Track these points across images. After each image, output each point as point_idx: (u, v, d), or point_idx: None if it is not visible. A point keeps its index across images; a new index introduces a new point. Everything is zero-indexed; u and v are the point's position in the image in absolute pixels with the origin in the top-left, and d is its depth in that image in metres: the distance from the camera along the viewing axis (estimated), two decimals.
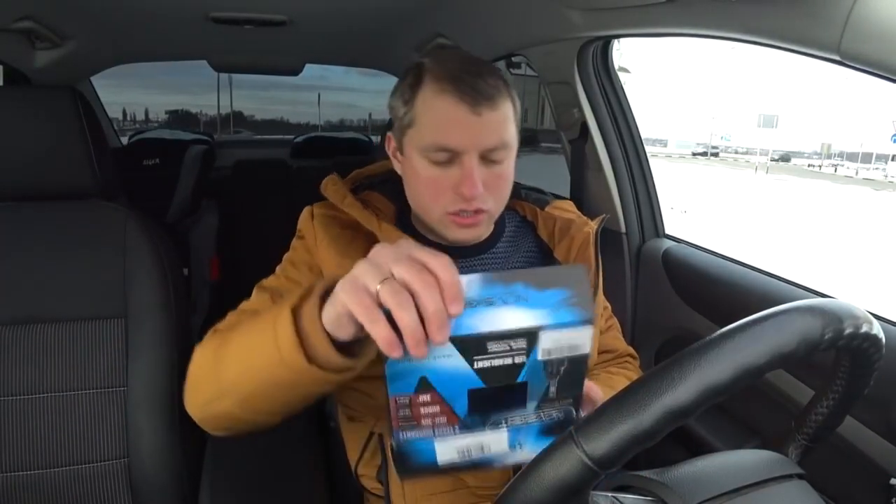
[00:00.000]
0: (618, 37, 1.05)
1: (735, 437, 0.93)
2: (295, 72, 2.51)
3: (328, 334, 0.45)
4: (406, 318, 0.39)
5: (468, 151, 0.64)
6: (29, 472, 0.83)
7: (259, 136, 5.26)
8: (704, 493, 0.42)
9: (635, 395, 0.36)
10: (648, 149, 1.32)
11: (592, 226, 0.76)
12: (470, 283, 0.43)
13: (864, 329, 0.40)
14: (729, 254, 1.07)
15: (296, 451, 0.88)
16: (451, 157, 0.65)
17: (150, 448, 0.87)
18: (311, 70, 2.47)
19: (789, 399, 0.85)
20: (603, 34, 1.02)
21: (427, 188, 0.67)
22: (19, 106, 0.86)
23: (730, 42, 0.78)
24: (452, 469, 0.50)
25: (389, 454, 0.70)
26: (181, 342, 0.91)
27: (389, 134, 0.72)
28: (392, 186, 0.77)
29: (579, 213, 0.82)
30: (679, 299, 1.08)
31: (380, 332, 0.39)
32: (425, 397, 0.46)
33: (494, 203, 0.69)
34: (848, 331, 0.39)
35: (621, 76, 1.23)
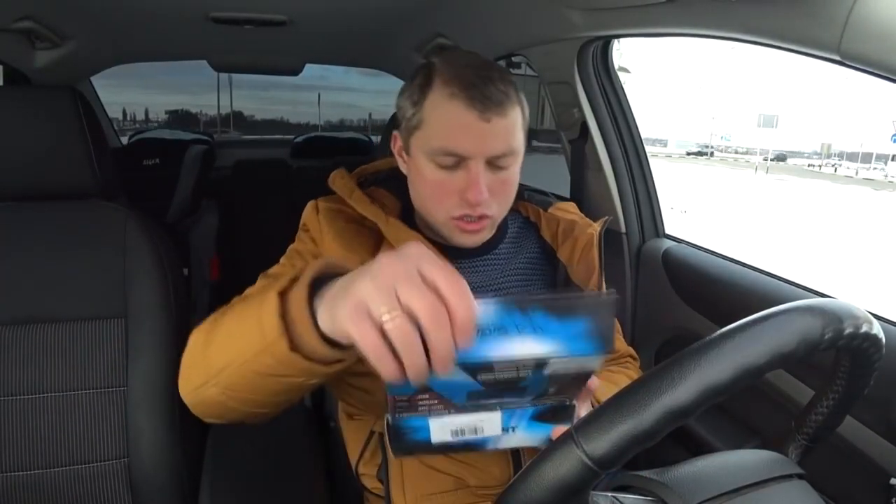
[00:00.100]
0: (618, 37, 1.05)
1: (735, 437, 0.93)
2: (295, 72, 2.51)
3: (317, 324, 0.43)
4: (412, 360, 0.37)
5: (475, 157, 0.64)
6: (29, 472, 0.83)
7: (248, 137, 5.27)
8: (704, 493, 0.42)
9: (635, 395, 0.36)
10: (648, 149, 1.32)
11: (596, 227, 0.76)
12: (486, 309, 0.40)
13: (864, 329, 0.40)
14: (727, 252, 1.07)
15: (296, 450, 0.88)
16: (457, 161, 0.65)
17: (150, 448, 0.87)
18: (311, 70, 2.47)
19: (789, 399, 0.85)
20: (603, 34, 1.02)
21: (432, 191, 0.67)
22: (19, 106, 0.86)
23: (730, 42, 0.78)
24: (445, 448, 0.51)
25: (388, 449, 0.70)
26: (181, 342, 0.90)
27: (396, 133, 0.72)
28: (396, 183, 0.78)
29: (582, 214, 0.83)
30: (679, 299, 1.08)
31: (384, 369, 0.37)
32: (424, 395, 0.47)
33: (499, 208, 0.69)
34: (848, 331, 0.39)
35: (621, 76, 1.23)
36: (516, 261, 0.77)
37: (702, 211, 10.72)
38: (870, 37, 0.57)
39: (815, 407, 0.50)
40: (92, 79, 2.25)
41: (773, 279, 0.93)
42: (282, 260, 0.72)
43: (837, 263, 7.53)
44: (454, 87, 0.63)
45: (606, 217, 0.79)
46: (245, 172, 2.72)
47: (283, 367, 0.45)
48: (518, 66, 1.67)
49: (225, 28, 1.58)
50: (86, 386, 0.86)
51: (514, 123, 0.66)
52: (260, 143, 3.61)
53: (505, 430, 0.51)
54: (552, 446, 0.37)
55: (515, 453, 0.70)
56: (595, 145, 1.19)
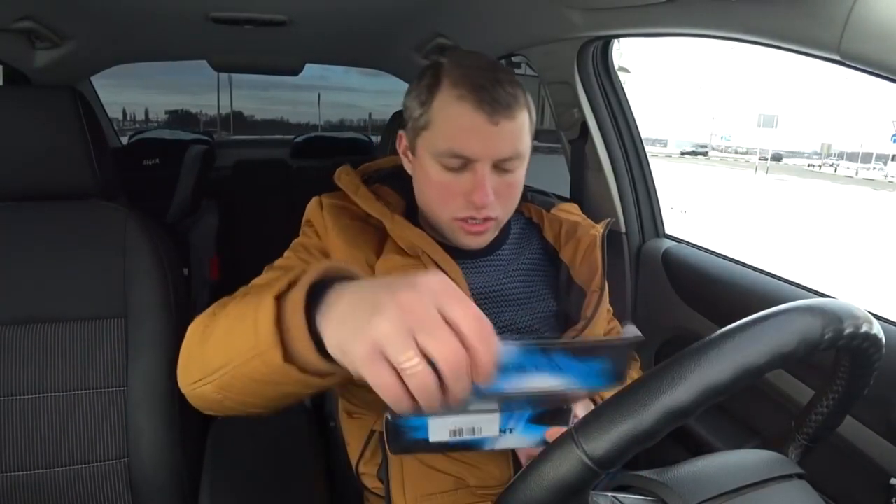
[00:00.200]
0: (618, 37, 1.05)
1: (735, 437, 0.93)
2: (295, 72, 2.50)
3: (314, 336, 0.40)
4: (428, 402, 0.35)
5: (482, 160, 0.64)
6: (29, 472, 0.83)
7: (246, 137, 5.27)
8: (704, 493, 0.42)
9: (635, 395, 0.36)
10: (648, 149, 1.32)
11: (599, 229, 0.77)
12: (507, 351, 0.39)
13: (864, 329, 0.40)
14: (723, 249, 1.08)
15: (296, 450, 0.88)
16: (464, 163, 0.65)
17: (150, 448, 0.87)
18: (311, 70, 2.47)
19: (789, 399, 0.85)
20: (603, 34, 1.02)
21: (437, 192, 0.67)
22: (19, 106, 0.86)
23: (730, 42, 0.78)
24: (443, 448, 0.51)
25: (387, 445, 0.70)
26: (181, 342, 0.91)
27: (402, 132, 0.72)
28: (400, 182, 0.78)
29: (584, 216, 0.83)
30: (679, 299, 1.08)
31: (398, 407, 0.36)
32: None
33: (503, 210, 0.69)
34: (848, 331, 0.39)
35: (621, 76, 1.23)
36: (519, 262, 0.77)
37: (700, 211, 10.72)
38: (870, 37, 0.56)
39: (815, 407, 0.50)
40: (92, 79, 2.25)
41: (773, 279, 0.93)
42: (286, 253, 0.72)
43: (838, 263, 7.53)
44: (463, 89, 0.63)
45: (609, 219, 0.79)
46: (245, 172, 2.72)
47: (277, 376, 0.43)
48: (518, 66, 1.67)
49: (225, 28, 1.58)
50: (86, 386, 0.86)
51: (521, 127, 0.66)
52: (260, 143, 3.61)
53: (502, 431, 0.51)
54: (552, 446, 0.37)
55: (516, 453, 0.70)
56: (595, 145, 1.19)
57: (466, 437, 0.50)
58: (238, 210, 2.64)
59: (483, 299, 0.72)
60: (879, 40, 0.56)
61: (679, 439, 0.99)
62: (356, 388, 0.71)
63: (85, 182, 0.90)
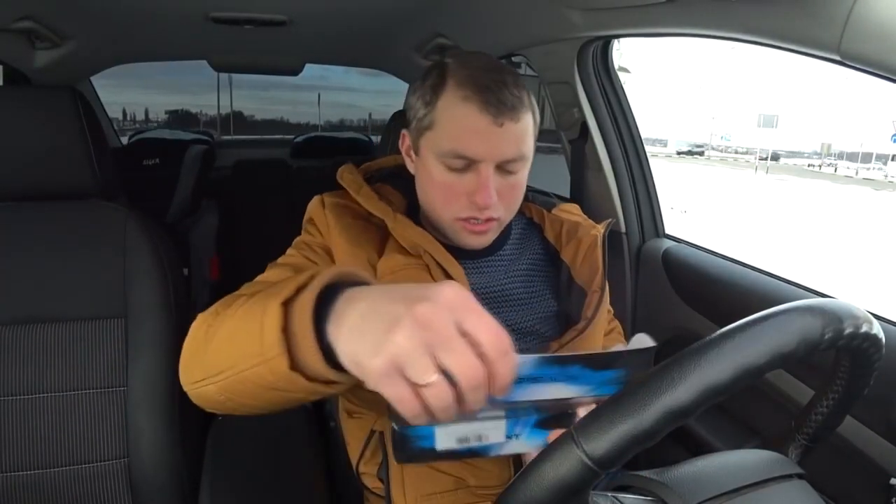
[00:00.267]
0: (618, 37, 1.05)
1: (735, 437, 0.93)
2: (295, 72, 2.51)
3: (321, 344, 0.39)
4: (444, 416, 0.35)
5: (486, 161, 0.64)
6: (29, 472, 0.83)
7: (238, 137, 5.28)
8: (704, 493, 0.42)
9: (635, 395, 0.36)
10: (648, 149, 1.32)
11: (599, 229, 0.77)
12: (524, 363, 0.39)
13: (864, 329, 0.40)
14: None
15: (296, 450, 0.88)
16: (467, 164, 0.65)
17: (150, 448, 0.87)
18: (311, 70, 2.47)
19: (789, 399, 0.85)
20: (603, 34, 1.02)
21: (440, 192, 0.67)
22: (19, 106, 0.86)
23: (730, 42, 0.78)
24: (449, 456, 0.51)
25: (389, 447, 0.70)
26: (181, 342, 0.91)
27: (405, 131, 0.72)
28: (401, 181, 0.78)
29: (585, 216, 0.83)
30: (679, 299, 1.08)
31: (415, 421, 0.36)
32: None
33: (506, 211, 0.69)
34: (848, 331, 0.39)
35: (621, 76, 1.23)
36: (520, 262, 0.77)
37: (699, 211, 10.72)
38: (870, 37, 0.57)
39: (815, 407, 0.50)
40: (92, 79, 2.25)
41: (773, 279, 0.93)
42: (290, 251, 0.71)
43: (838, 263, 7.54)
44: (468, 90, 0.63)
45: (610, 219, 0.79)
46: (245, 172, 2.72)
47: (283, 383, 0.42)
48: (518, 66, 1.67)
49: (225, 28, 1.58)
50: (86, 386, 0.86)
51: (525, 129, 0.66)
52: (260, 143, 3.62)
53: (508, 437, 0.51)
54: (552, 446, 0.37)
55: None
56: (595, 145, 1.19)
57: (473, 444, 0.50)
58: (238, 210, 2.64)
59: (484, 299, 0.72)
60: (879, 40, 0.56)
61: (679, 439, 0.99)
62: (357, 388, 0.71)
63: (85, 182, 0.90)
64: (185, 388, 0.54)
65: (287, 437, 0.90)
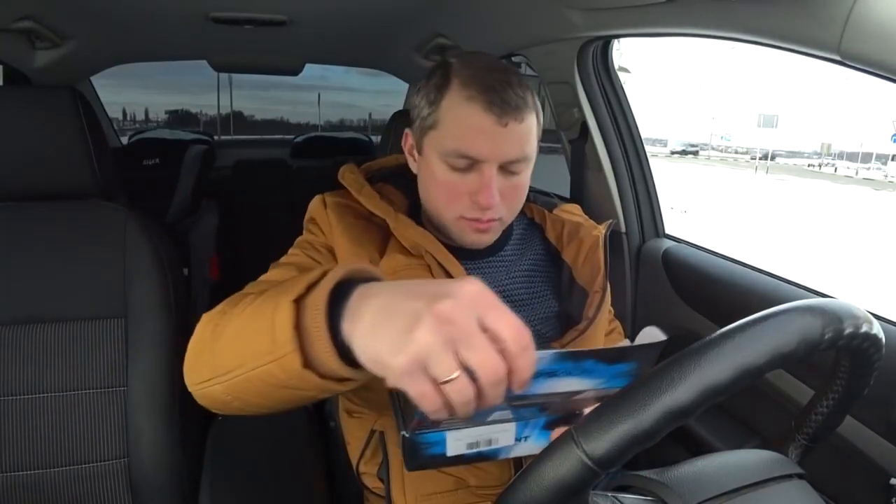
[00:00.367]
0: (618, 37, 1.05)
1: (735, 437, 0.93)
2: (295, 72, 2.51)
3: (335, 341, 0.39)
4: (464, 411, 0.35)
5: (489, 161, 0.64)
6: (29, 472, 0.83)
7: (238, 136, 5.28)
8: (704, 493, 0.42)
9: (635, 395, 0.36)
10: (648, 149, 1.32)
11: (601, 229, 0.77)
12: (542, 358, 0.39)
13: (864, 329, 0.40)
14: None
15: (296, 450, 0.88)
16: (470, 164, 0.65)
17: (150, 448, 0.87)
18: (311, 70, 2.47)
19: (789, 399, 0.85)
20: (603, 34, 1.02)
21: (443, 192, 0.67)
22: (19, 106, 0.86)
23: (730, 42, 0.78)
24: (459, 461, 0.51)
25: (397, 449, 0.70)
26: (181, 342, 0.91)
27: (408, 131, 0.72)
28: (403, 181, 0.78)
29: (586, 216, 0.83)
30: (679, 299, 1.08)
31: (435, 416, 0.36)
32: None
33: (508, 212, 0.69)
34: (848, 331, 0.39)
35: (621, 76, 1.23)
36: (521, 262, 0.77)
37: (697, 211, 10.73)
38: (870, 37, 0.57)
39: (815, 407, 0.50)
40: (92, 79, 2.25)
41: (773, 279, 0.93)
42: (292, 250, 0.71)
43: (837, 263, 7.54)
44: (473, 90, 0.63)
45: (611, 220, 0.79)
46: (245, 172, 2.72)
47: (295, 381, 0.42)
48: (518, 66, 1.67)
49: (225, 28, 1.58)
50: (86, 386, 0.86)
51: (529, 129, 0.66)
52: (260, 143, 3.62)
53: (518, 439, 0.51)
54: (552, 446, 0.37)
55: None
56: (595, 145, 1.19)
57: (483, 448, 0.50)
58: (238, 210, 2.64)
59: None
60: (879, 40, 0.56)
61: (679, 439, 0.99)
62: (360, 386, 0.71)
63: (85, 182, 0.90)
64: (191, 389, 0.53)
65: (287, 437, 0.89)
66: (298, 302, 0.41)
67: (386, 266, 0.69)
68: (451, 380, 0.34)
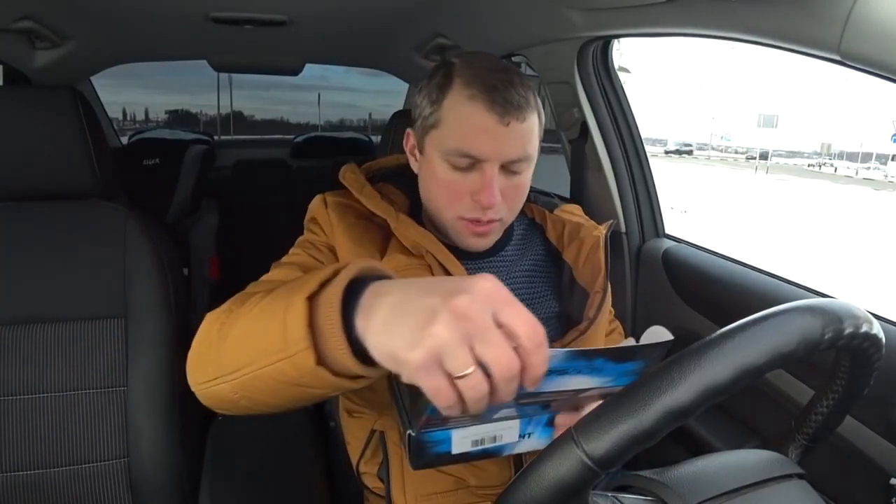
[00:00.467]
0: (618, 37, 1.05)
1: (735, 437, 0.93)
2: (295, 72, 2.51)
3: (349, 339, 0.39)
4: (477, 407, 0.35)
5: (490, 160, 0.64)
6: (29, 472, 0.83)
7: (238, 136, 5.28)
8: (704, 493, 0.42)
9: (635, 395, 0.36)
10: (648, 148, 1.32)
11: (601, 230, 0.77)
12: (554, 356, 0.40)
13: (864, 329, 0.40)
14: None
15: (296, 450, 0.88)
16: (472, 163, 0.65)
17: (150, 448, 0.87)
18: (311, 70, 2.47)
19: (789, 399, 0.85)
20: (603, 34, 1.02)
21: (444, 191, 0.67)
22: (19, 106, 0.86)
23: (730, 42, 0.78)
24: (464, 458, 0.51)
25: (397, 449, 0.70)
26: (181, 342, 0.91)
27: (410, 130, 0.72)
28: (404, 181, 0.78)
29: (587, 217, 0.83)
30: (679, 299, 1.08)
31: (448, 411, 0.36)
32: None
33: (508, 212, 0.69)
34: (848, 331, 0.39)
35: (621, 76, 1.23)
36: (522, 262, 0.77)
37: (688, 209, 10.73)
38: (870, 37, 0.56)
39: (815, 407, 0.50)
40: (92, 79, 2.25)
41: (773, 279, 0.93)
42: (293, 250, 0.71)
43: (837, 262, 7.54)
44: (475, 89, 0.63)
45: (612, 220, 0.79)
46: (245, 172, 2.72)
47: (307, 378, 0.42)
48: (518, 65, 1.67)
49: (225, 28, 1.58)
50: (86, 386, 0.86)
51: (531, 129, 0.66)
52: (260, 143, 3.62)
53: (521, 436, 0.52)
54: (552, 446, 0.37)
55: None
56: (595, 145, 1.19)
57: (488, 445, 0.51)
58: (238, 210, 2.64)
59: None
60: (879, 40, 0.56)
61: (679, 439, 0.99)
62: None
63: (85, 182, 0.90)
64: (194, 388, 0.53)
65: (287, 437, 0.90)
66: (311, 299, 0.41)
67: (387, 266, 0.68)
68: (467, 375, 0.34)
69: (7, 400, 0.83)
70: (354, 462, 0.76)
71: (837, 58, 0.61)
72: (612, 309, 0.82)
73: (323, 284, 0.41)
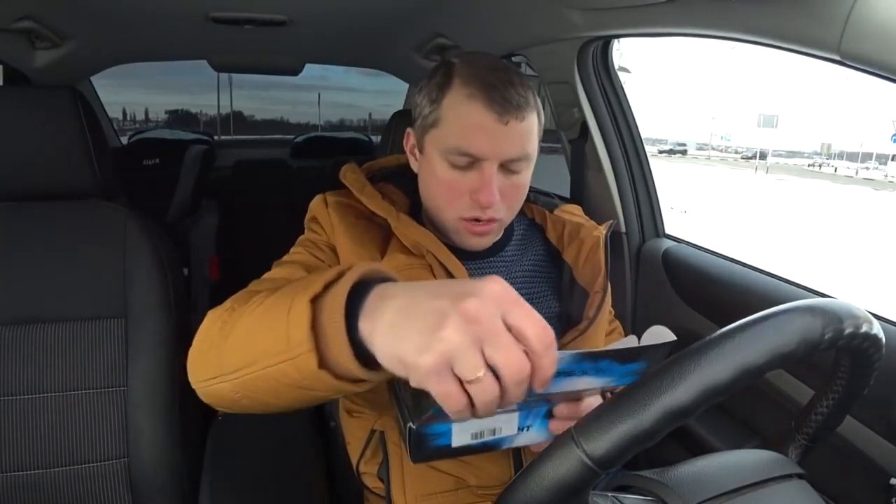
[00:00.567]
0: (618, 37, 1.05)
1: (735, 437, 0.93)
2: (295, 72, 2.51)
3: (352, 343, 0.38)
4: (486, 410, 0.35)
5: (489, 159, 0.64)
6: (29, 472, 0.83)
7: (238, 136, 5.28)
8: (704, 493, 0.42)
9: (635, 395, 0.36)
10: (648, 148, 1.32)
11: (602, 230, 0.77)
12: (562, 358, 0.40)
13: (864, 329, 0.40)
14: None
15: (296, 450, 0.88)
16: (471, 162, 0.65)
17: (150, 448, 0.87)
18: (311, 70, 2.47)
19: (789, 399, 0.85)
20: (603, 34, 1.02)
21: (443, 190, 0.67)
22: (19, 106, 0.86)
23: (730, 42, 0.78)
24: (464, 451, 0.51)
25: (397, 448, 0.70)
26: (181, 342, 0.91)
27: (410, 130, 0.73)
28: (404, 180, 0.78)
29: (587, 217, 0.83)
30: (679, 299, 1.08)
31: (458, 416, 0.35)
32: None
33: (508, 212, 0.69)
34: (848, 331, 0.39)
35: (621, 76, 1.23)
36: (522, 262, 0.77)
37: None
38: (870, 37, 0.56)
39: (815, 407, 0.50)
40: (92, 79, 2.25)
41: (773, 279, 0.93)
42: (294, 248, 0.71)
43: (836, 263, 7.54)
44: (474, 88, 0.63)
45: (612, 220, 0.79)
46: (245, 172, 2.72)
47: (309, 381, 0.41)
48: (518, 65, 1.67)
49: (225, 28, 1.58)
50: (86, 386, 0.86)
51: (530, 128, 0.66)
52: (260, 143, 3.62)
53: (520, 429, 0.52)
54: (552, 446, 0.37)
55: (516, 453, 0.70)
56: (595, 145, 1.19)
57: (487, 438, 0.51)
58: (238, 210, 2.64)
59: None
60: (879, 40, 0.56)
61: (679, 439, 0.99)
62: None
63: (85, 182, 0.90)
64: (195, 386, 0.53)
65: (287, 437, 0.90)
66: (314, 301, 0.41)
67: (387, 266, 0.68)
68: (477, 379, 0.34)
69: (7, 400, 0.83)
70: (354, 462, 0.76)
71: (837, 58, 0.61)
72: (611, 309, 0.82)
73: (327, 286, 0.41)
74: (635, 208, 1.21)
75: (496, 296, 0.35)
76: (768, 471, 0.46)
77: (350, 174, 0.75)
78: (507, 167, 0.66)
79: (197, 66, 2.35)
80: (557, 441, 0.37)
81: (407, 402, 0.47)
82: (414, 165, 0.73)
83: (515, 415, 0.51)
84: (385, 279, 0.42)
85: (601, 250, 0.75)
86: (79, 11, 1.36)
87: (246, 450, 0.88)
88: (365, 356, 0.38)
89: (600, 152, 1.19)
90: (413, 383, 0.35)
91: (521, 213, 0.82)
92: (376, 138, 3.21)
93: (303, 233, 0.74)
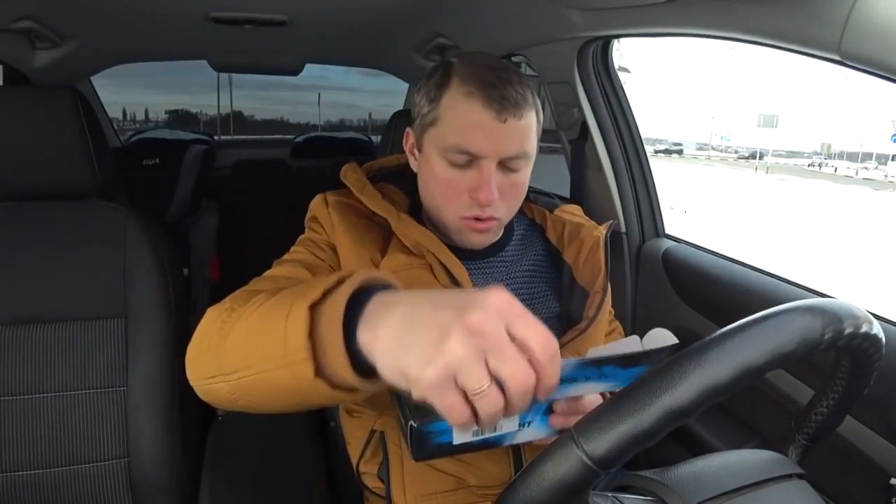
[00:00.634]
0: (618, 37, 1.05)
1: (735, 437, 0.93)
2: (295, 72, 2.51)
3: (350, 353, 0.38)
4: (490, 421, 0.35)
5: (488, 157, 0.64)
6: (29, 472, 0.83)
7: (238, 136, 5.28)
8: (704, 493, 0.42)
9: (635, 395, 0.36)
10: (648, 148, 1.32)
11: (602, 230, 0.77)
12: (567, 366, 0.40)
13: (864, 329, 0.40)
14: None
15: (296, 450, 0.88)
16: (470, 160, 0.65)
17: (150, 448, 0.87)
18: (311, 70, 2.47)
19: (789, 399, 0.85)
20: (603, 34, 1.02)
21: (443, 189, 0.68)
22: (19, 106, 0.86)
23: (730, 42, 0.78)
24: (465, 449, 0.51)
25: (397, 448, 0.70)
26: (181, 342, 0.91)
27: (409, 129, 0.73)
28: (404, 180, 0.78)
29: (587, 217, 0.83)
30: (679, 299, 1.08)
31: (462, 428, 0.35)
32: None
33: (507, 210, 0.69)
34: (848, 331, 0.39)
35: (621, 76, 1.23)
36: (522, 262, 0.77)
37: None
38: (870, 37, 0.56)
39: (815, 407, 0.50)
40: (92, 79, 2.25)
41: (773, 279, 0.93)
42: (295, 247, 0.71)
43: (836, 263, 7.54)
44: (472, 86, 0.63)
45: (612, 221, 0.79)
46: (245, 172, 2.72)
47: (304, 388, 0.40)
48: (518, 65, 1.67)
49: (225, 28, 1.58)
50: (86, 386, 0.86)
51: (529, 126, 0.66)
52: (260, 143, 3.62)
53: (521, 425, 0.52)
54: (552, 446, 0.37)
55: (516, 453, 0.70)
56: (595, 145, 1.19)
57: (488, 434, 0.51)
58: (238, 210, 2.64)
59: None
60: (879, 40, 0.56)
61: (679, 439, 0.99)
62: None
63: (85, 182, 0.90)
64: (193, 384, 0.52)
65: (287, 437, 0.90)
66: (313, 308, 0.40)
67: (387, 265, 0.69)
68: (482, 391, 0.33)
69: (7, 400, 0.83)
70: (354, 462, 0.76)
71: (837, 58, 0.61)
72: (611, 309, 0.82)
73: (326, 293, 0.41)
74: (635, 208, 1.21)
75: (500, 307, 0.35)
76: (768, 471, 0.46)
77: (351, 174, 0.75)
78: (505, 165, 0.66)
79: (197, 66, 2.35)
80: (557, 441, 0.37)
81: (408, 402, 0.47)
82: (413, 165, 0.73)
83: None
84: (385, 286, 0.41)
85: (601, 250, 0.75)
86: (79, 11, 1.36)
87: (246, 450, 0.88)
88: (363, 366, 0.38)
89: (600, 152, 1.19)
90: (415, 396, 0.35)
91: (521, 213, 0.82)
92: (376, 138, 3.21)
93: (303, 232, 0.74)
